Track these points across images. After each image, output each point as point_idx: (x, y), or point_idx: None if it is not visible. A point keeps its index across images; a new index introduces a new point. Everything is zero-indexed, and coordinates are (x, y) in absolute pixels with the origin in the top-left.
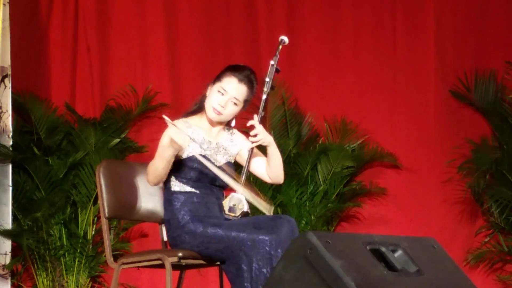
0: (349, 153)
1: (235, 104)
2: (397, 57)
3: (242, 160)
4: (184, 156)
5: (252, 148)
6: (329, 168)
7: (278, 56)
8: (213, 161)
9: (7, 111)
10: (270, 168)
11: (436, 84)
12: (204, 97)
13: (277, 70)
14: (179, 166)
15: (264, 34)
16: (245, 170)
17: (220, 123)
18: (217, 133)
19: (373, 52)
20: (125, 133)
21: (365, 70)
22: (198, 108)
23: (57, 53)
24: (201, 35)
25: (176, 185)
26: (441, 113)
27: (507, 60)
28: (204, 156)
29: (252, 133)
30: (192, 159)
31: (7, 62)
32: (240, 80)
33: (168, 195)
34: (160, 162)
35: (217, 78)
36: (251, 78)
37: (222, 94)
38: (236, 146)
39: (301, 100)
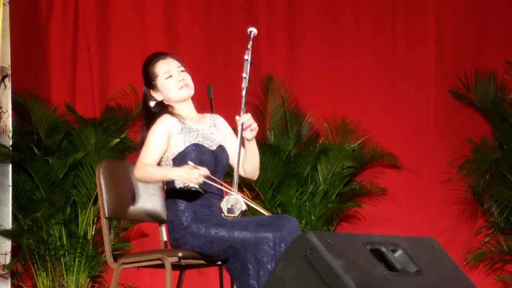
0: (349, 153)
1: (183, 71)
2: (397, 57)
3: (227, 146)
4: (181, 149)
5: (240, 148)
6: (329, 168)
7: (250, 49)
8: (206, 146)
9: (7, 111)
10: (247, 163)
11: (436, 84)
12: (158, 102)
13: (250, 63)
14: (181, 162)
15: (264, 34)
16: (237, 172)
17: (191, 102)
18: (199, 120)
19: (373, 52)
20: (125, 133)
21: (365, 70)
22: (163, 110)
23: (57, 53)
24: (201, 35)
25: (181, 183)
26: (441, 113)
27: (507, 60)
28: (197, 145)
29: (243, 119)
30: (196, 146)
31: (7, 62)
32: (163, 57)
33: (172, 195)
34: (160, 178)
35: (149, 79)
36: (162, 52)
37: (170, 76)
38: (221, 131)
39: (301, 100)
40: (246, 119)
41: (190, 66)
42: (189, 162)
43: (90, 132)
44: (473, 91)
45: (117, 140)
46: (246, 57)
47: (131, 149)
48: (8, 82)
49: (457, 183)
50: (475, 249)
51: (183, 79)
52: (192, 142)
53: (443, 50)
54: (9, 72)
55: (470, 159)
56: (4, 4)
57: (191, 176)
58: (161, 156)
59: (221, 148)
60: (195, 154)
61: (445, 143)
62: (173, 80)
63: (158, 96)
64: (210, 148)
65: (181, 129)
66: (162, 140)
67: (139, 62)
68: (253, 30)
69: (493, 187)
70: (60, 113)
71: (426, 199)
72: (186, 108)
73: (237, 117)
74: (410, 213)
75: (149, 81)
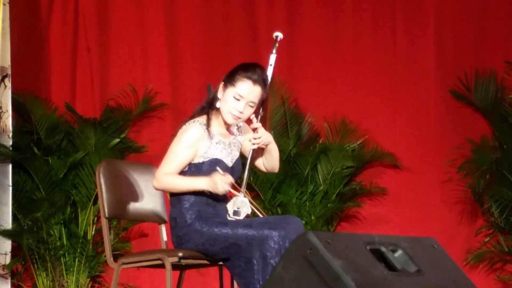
0: (349, 153)
1: (251, 106)
2: (397, 57)
3: (243, 147)
4: (206, 159)
5: (253, 150)
6: (329, 168)
7: (276, 54)
8: (225, 162)
9: (7, 111)
10: (267, 161)
11: (436, 84)
12: (215, 98)
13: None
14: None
15: (264, 34)
16: (246, 175)
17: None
18: (227, 134)
19: (373, 52)
20: (125, 133)
21: (365, 70)
22: (209, 108)
23: (57, 53)
24: (201, 35)
25: None
26: (441, 113)
27: (507, 60)
28: (218, 160)
29: (253, 136)
30: (214, 161)
31: (7, 62)
32: (254, 82)
33: (177, 193)
34: (185, 188)
35: (230, 80)
36: (264, 78)
37: (238, 100)
38: (242, 134)
39: (301, 100)
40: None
41: (190, 66)
42: (218, 169)
43: (90, 132)
44: (473, 91)
45: (117, 140)
46: (271, 62)
47: (131, 149)
48: (8, 82)
49: (457, 183)
50: (475, 249)
51: (242, 113)
52: (214, 157)
53: (443, 50)
54: (9, 72)
55: (470, 159)
56: (4, 4)
57: (219, 184)
58: (184, 168)
59: (238, 161)
60: (213, 168)
61: (445, 143)
62: (236, 105)
63: (220, 93)
64: (227, 165)
65: (210, 141)
66: (189, 150)
67: (139, 62)
68: (279, 35)
69: (493, 187)
70: (60, 113)
71: (426, 199)
72: (227, 124)
73: (253, 118)
74: (410, 213)
75: (229, 80)
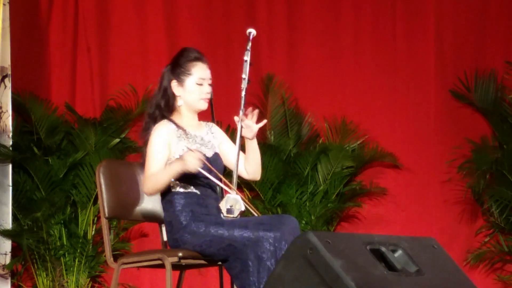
0: (349, 153)
1: (210, 85)
2: (397, 57)
3: (222, 154)
4: (177, 155)
5: (239, 148)
6: (329, 168)
7: (250, 50)
8: (203, 152)
9: (7, 111)
10: (249, 163)
11: (436, 84)
12: (172, 96)
13: (250, 64)
14: None
15: (264, 34)
16: (236, 171)
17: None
18: (197, 127)
19: (373, 52)
20: (125, 133)
21: (365, 70)
22: (170, 109)
23: (57, 53)
24: (201, 35)
25: (177, 185)
26: (441, 113)
27: (507, 60)
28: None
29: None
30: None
31: (7, 62)
32: (203, 61)
33: (168, 196)
34: (166, 178)
35: (181, 72)
36: (202, 54)
37: (202, 84)
38: (217, 139)
39: (301, 100)
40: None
41: None
42: (186, 147)
43: (90, 132)
44: (473, 91)
45: (117, 140)
46: (245, 58)
47: (131, 149)
48: (8, 82)
49: (457, 183)
50: (475, 249)
51: (208, 93)
52: (187, 147)
53: (443, 50)
54: (9, 72)
55: (470, 159)
56: (4, 4)
57: (188, 161)
58: (165, 164)
59: (216, 155)
60: None
61: (445, 143)
62: (202, 89)
63: (178, 90)
64: (206, 155)
65: (179, 136)
66: (164, 148)
67: (139, 62)
68: (252, 31)
69: (493, 187)
70: (60, 113)
71: (426, 199)
72: (191, 116)
73: (235, 118)
74: (410, 213)
75: (179, 73)
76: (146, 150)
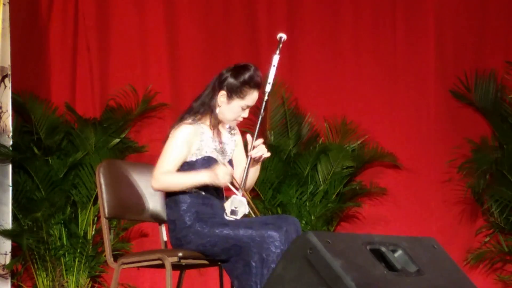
0: (349, 153)
1: (249, 109)
2: (397, 57)
3: (234, 155)
4: (199, 157)
5: (251, 157)
6: (329, 168)
7: (279, 55)
8: (218, 161)
9: (7, 111)
10: (249, 177)
11: (436, 84)
12: (214, 102)
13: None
14: (188, 169)
15: (264, 34)
16: (245, 174)
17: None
18: (222, 130)
19: (373, 52)
20: (125, 133)
21: (365, 70)
22: (205, 110)
23: (57, 53)
24: (201, 35)
25: None
26: (441, 113)
27: (507, 60)
28: (210, 158)
29: (254, 153)
30: (207, 159)
31: (7, 62)
32: (259, 88)
33: (173, 194)
34: (188, 184)
35: (236, 92)
36: (261, 82)
37: (244, 109)
38: (234, 142)
39: (301, 100)
40: (257, 144)
41: (190, 66)
42: (218, 160)
43: (90, 132)
44: (473, 91)
45: (117, 140)
46: (273, 63)
47: (131, 149)
48: (8, 82)
49: (457, 183)
50: (475, 249)
51: (243, 118)
52: (207, 154)
53: (443, 50)
54: (9, 72)
55: (470, 159)
56: (4, 4)
57: (220, 176)
58: (180, 164)
59: (230, 162)
60: (206, 166)
61: (445, 143)
62: (243, 113)
63: (221, 101)
64: (222, 162)
65: (202, 139)
66: (184, 147)
67: (139, 62)
68: (283, 36)
69: (493, 187)
70: (60, 113)
71: (426, 199)
72: (220, 121)
73: (248, 137)
74: (410, 213)
75: (232, 90)
76: (166, 143)
